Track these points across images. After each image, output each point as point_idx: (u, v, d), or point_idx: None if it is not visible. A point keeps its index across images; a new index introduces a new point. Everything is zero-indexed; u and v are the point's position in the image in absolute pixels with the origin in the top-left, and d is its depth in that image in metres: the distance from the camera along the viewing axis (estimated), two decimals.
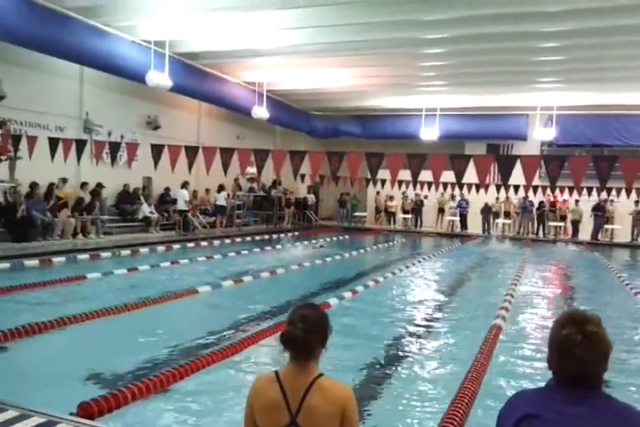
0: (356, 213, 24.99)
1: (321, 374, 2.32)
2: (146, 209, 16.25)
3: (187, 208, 16.89)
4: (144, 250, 12.73)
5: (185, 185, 16.73)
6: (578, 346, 1.78)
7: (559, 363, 1.86)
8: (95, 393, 4.01)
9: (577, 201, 21.18)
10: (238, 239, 16.58)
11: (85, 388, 4.36)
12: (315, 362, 2.34)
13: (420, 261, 13.46)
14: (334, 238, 18.55)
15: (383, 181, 17.16)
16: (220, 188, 18.61)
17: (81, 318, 6.16)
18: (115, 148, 11.22)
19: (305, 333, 2.26)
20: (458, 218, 23.07)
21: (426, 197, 23.07)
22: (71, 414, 3.68)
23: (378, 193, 24.20)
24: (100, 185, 14.89)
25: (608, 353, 1.83)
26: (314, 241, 17.20)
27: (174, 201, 17.53)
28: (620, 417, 1.78)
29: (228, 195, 19.29)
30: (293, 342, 2.28)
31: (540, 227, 22.25)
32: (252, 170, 14.74)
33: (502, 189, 17.19)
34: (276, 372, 2.35)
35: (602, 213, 20.97)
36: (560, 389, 1.84)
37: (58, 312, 6.32)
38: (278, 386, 2.29)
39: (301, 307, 2.44)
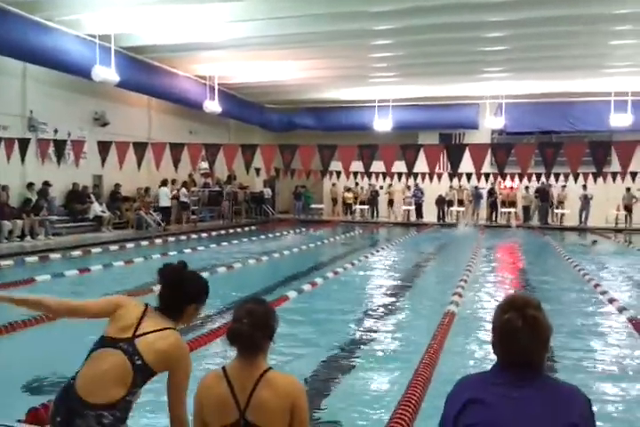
0: (313, 206, 24.98)
1: (269, 368, 2.30)
2: (97, 208, 15.88)
3: (169, 205, 17.86)
4: (96, 250, 12.45)
5: (165, 182, 17.72)
6: (519, 331, 1.80)
7: (501, 348, 1.88)
8: (45, 399, 3.89)
9: (527, 187, 21.78)
10: (194, 236, 16.39)
11: (35, 394, 4.24)
12: (263, 356, 2.32)
13: (378, 251, 13.58)
14: (291, 231, 18.55)
15: (338, 173, 17.24)
16: (183, 184, 18.83)
17: (29, 323, 5.98)
18: (60, 146, 10.92)
19: (250, 328, 2.23)
20: (413, 207, 23.38)
21: (381, 187, 23.30)
22: (19, 421, 3.57)
23: (334, 185, 24.27)
24: (46, 183, 14.46)
25: (549, 337, 1.87)
26: (303, 229, 18.98)
27: (126, 199, 17.25)
28: (563, 399, 1.81)
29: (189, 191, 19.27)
30: (239, 338, 2.25)
31: (493, 213, 22.80)
32: (205, 165, 14.61)
33: (455, 178, 17.48)
34: (224, 368, 2.32)
35: (545, 197, 21.63)
36: (503, 372, 1.86)
37: (4, 318, 6.11)
38: (226, 382, 2.26)
39: (247, 302, 2.41)
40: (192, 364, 2.56)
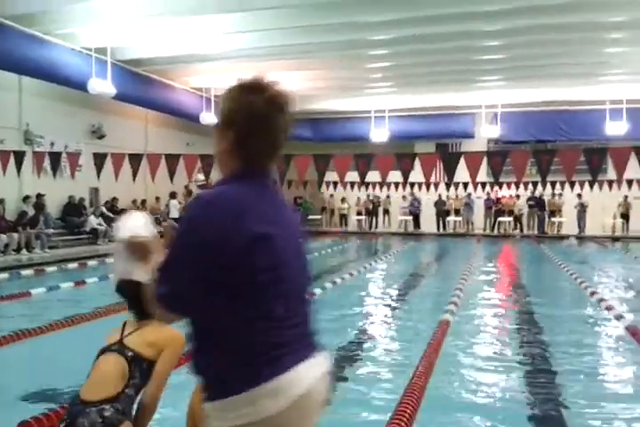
0: (310, 217, 24.91)
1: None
2: (93, 221, 15.84)
3: (178, 216, 18.12)
4: (92, 263, 12.39)
5: (174, 195, 18.24)
6: (277, 118, 1.58)
7: (258, 141, 1.58)
8: (36, 411, 3.85)
9: (517, 196, 21.87)
10: None
11: (25, 406, 4.18)
12: None
13: (375, 262, 13.51)
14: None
15: (335, 183, 17.25)
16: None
17: (23, 335, 5.93)
18: (55, 158, 10.91)
19: None
20: (410, 217, 23.35)
21: (378, 198, 23.35)
22: None
23: (332, 196, 24.25)
24: (39, 195, 14.41)
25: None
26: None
27: (122, 211, 17.27)
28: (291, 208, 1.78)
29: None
30: None
31: (490, 223, 22.78)
32: (202, 177, 14.62)
33: (452, 187, 17.50)
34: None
35: (540, 207, 21.67)
36: (252, 185, 1.60)
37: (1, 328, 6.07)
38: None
39: None
40: (182, 346, 2.69)
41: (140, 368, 2.59)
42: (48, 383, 4.64)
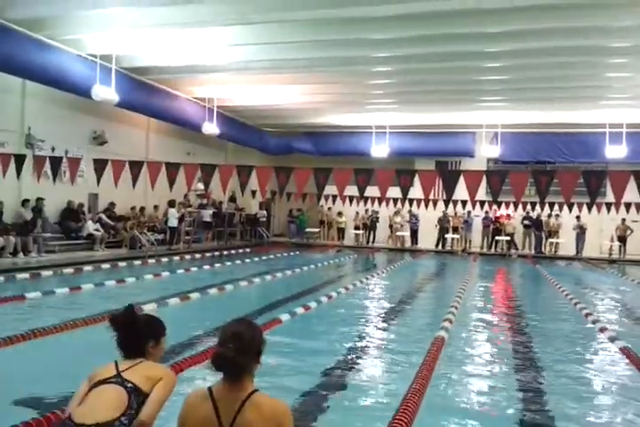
0: (308, 229, 24.91)
1: (256, 390, 2.27)
2: (91, 226, 15.81)
3: (176, 225, 18.27)
4: (88, 268, 12.36)
5: (173, 203, 18.10)
6: None
7: None
8: (27, 416, 3.82)
9: (508, 215, 21.95)
10: (188, 256, 16.32)
11: (16, 411, 4.16)
12: (249, 378, 2.29)
13: (372, 276, 13.51)
14: (284, 254, 18.50)
15: (334, 197, 17.29)
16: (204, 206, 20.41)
17: (16, 340, 5.90)
18: (56, 163, 10.92)
19: (236, 353, 2.20)
20: (408, 233, 23.36)
21: (377, 212, 23.36)
22: None
23: (330, 209, 24.28)
24: (39, 199, 14.40)
25: None
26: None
27: (120, 218, 17.25)
28: None
29: (183, 214, 19.16)
30: (224, 363, 2.23)
31: (488, 241, 22.78)
32: (201, 186, 14.67)
33: (450, 205, 17.52)
34: (210, 388, 2.30)
35: (537, 227, 21.69)
36: None
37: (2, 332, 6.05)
38: (211, 403, 2.24)
39: (232, 324, 2.37)
40: (175, 382, 2.70)
41: (137, 401, 2.55)
42: (39, 388, 4.62)
